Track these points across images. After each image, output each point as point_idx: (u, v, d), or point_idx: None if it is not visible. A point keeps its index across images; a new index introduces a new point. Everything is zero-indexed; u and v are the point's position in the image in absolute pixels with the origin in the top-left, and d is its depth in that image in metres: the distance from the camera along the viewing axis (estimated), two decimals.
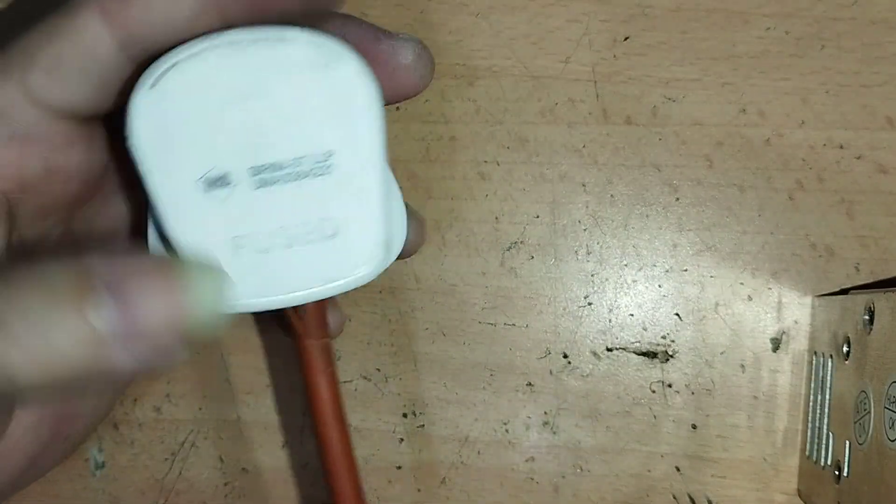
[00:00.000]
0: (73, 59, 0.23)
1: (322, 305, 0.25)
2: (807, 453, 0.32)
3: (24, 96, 0.23)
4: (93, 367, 0.19)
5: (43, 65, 0.23)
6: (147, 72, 0.22)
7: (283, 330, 0.25)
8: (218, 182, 0.22)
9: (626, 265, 0.33)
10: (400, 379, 0.33)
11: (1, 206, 0.24)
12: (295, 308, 0.24)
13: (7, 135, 0.24)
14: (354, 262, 0.23)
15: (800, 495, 0.32)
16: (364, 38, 0.25)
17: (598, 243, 0.33)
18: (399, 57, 0.25)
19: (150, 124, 0.22)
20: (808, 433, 0.32)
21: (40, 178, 0.25)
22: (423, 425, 0.33)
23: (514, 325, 0.33)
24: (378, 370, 0.33)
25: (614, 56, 0.33)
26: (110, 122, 0.26)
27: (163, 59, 0.22)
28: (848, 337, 0.29)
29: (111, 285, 0.19)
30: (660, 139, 0.33)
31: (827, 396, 0.31)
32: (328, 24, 0.25)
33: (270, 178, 0.22)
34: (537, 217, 0.33)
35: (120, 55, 0.23)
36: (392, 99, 0.25)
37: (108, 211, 0.28)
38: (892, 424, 0.26)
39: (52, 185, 0.25)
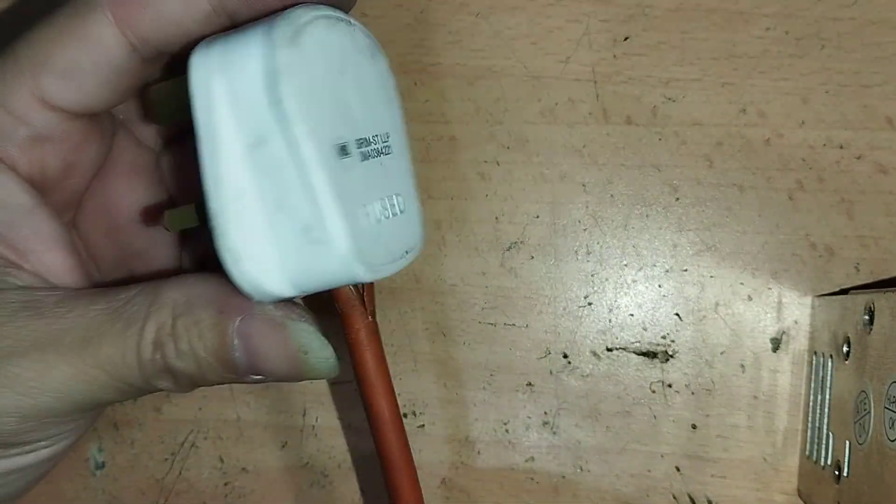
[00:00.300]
0: (86, 63, 0.24)
1: (373, 284, 0.25)
2: (807, 453, 0.32)
3: (39, 101, 0.24)
4: (232, 381, 0.25)
5: (57, 70, 0.24)
6: (275, 25, 0.22)
7: (339, 312, 0.25)
8: (343, 150, 0.23)
9: (626, 265, 0.33)
10: (400, 379, 0.33)
11: (33, 186, 0.25)
12: (353, 289, 0.25)
13: (28, 136, 0.25)
14: (415, 236, 0.25)
15: (800, 495, 0.32)
16: None
17: (598, 243, 0.33)
18: None
19: (296, 84, 0.21)
20: (808, 433, 0.32)
21: (60, 175, 0.26)
22: (423, 425, 0.33)
23: (514, 325, 0.33)
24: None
25: (614, 56, 0.33)
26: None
27: (286, 15, 0.22)
28: (848, 337, 0.29)
29: (242, 337, 0.24)
30: (660, 139, 0.33)
31: (827, 396, 0.31)
32: None
33: (367, 151, 0.24)
34: (537, 217, 0.33)
35: (133, 56, 0.24)
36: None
37: (113, 199, 0.29)
38: (892, 424, 0.26)
39: (71, 180, 0.27)
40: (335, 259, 0.22)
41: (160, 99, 0.25)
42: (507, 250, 0.33)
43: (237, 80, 0.22)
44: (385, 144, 0.24)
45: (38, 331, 0.24)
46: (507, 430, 0.33)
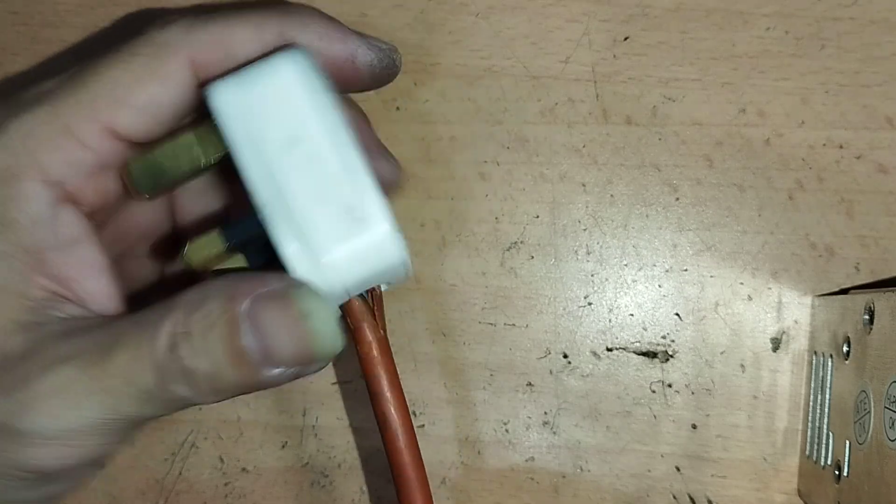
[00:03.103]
0: (166, 101, 0.25)
1: (381, 296, 0.26)
2: (807, 453, 0.32)
3: (110, 133, 0.25)
4: (246, 383, 0.24)
5: (138, 107, 0.25)
6: (289, 48, 0.25)
7: (350, 324, 0.25)
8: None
9: (625, 265, 0.33)
10: (400, 379, 0.33)
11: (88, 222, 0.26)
12: (366, 295, 0.25)
13: (95, 165, 0.25)
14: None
15: (800, 495, 0.32)
16: (330, 37, 0.27)
17: (597, 243, 0.33)
18: (359, 59, 0.27)
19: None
20: (808, 433, 0.32)
21: (118, 203, 0.27)
22: (423, 425, 0.33)
23: (514, 325, 0.33)
24: None
25: (614, 56, 0.33)
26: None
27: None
28: (848, 337, 0.29)
29: (251, 319, 0.23)
30: (660, 139, 0.33)
31: (827, 396, 0.31)
32: (305, 28, 0.27)
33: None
34: (537, 217, 0.33)
35: (196, 90, 0.25)
36: (346, 90, 0.28)
37: (129, 217, 0.29)
38: (893, 424, 0.26)
39: (126, 214, 0.28)
40: (379, 236, 0.24)
41: (143, 172, 0.26)
42: (507, 250, 0.33)
43: (264, 96, 0.24)
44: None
45: (68, 349, 0.24)
46: (507, 430, 0.33)
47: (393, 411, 0.25)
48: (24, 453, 0.23)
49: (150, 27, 0.25)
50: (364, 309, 0.25)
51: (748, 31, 0.33)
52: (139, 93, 0.25)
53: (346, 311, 0.25)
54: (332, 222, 0.24)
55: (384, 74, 0.28)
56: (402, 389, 0.25)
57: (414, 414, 0.33)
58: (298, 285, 0.24)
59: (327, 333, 0.24)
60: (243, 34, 0.25)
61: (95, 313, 0.25)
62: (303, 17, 0.26)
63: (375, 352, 0.25)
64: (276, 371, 0.24)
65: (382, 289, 0.26)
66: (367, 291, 0.25)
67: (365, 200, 0.24)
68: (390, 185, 0.29)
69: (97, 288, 0.26)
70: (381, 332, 0.25)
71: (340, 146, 0.24)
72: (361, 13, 0.33)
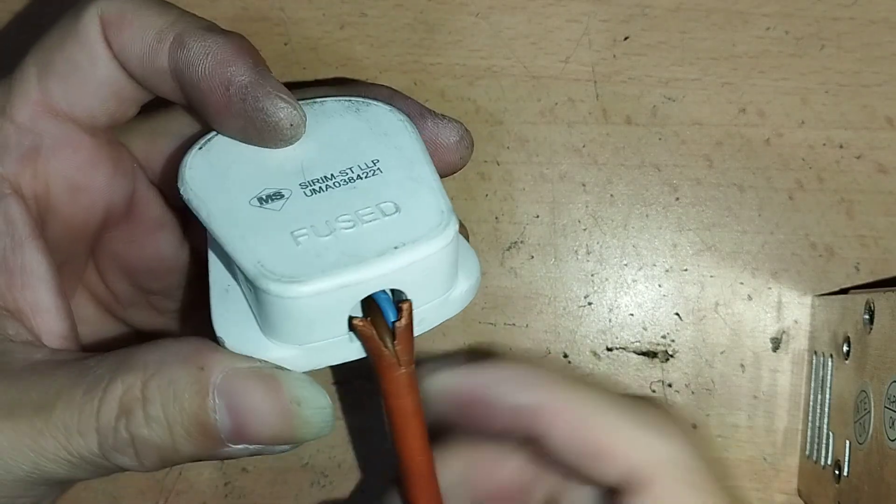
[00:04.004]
0: (84, 62, 0.24)
1: (410, 329, 0.23)
2: (807, 453, 0.32)
3: (44, 107, 0.24)
4: (200, 456, 0.22)
5: (58, 71, 0.24)
6: (196, 142, 0.24)
7: (372, 361, 0.23)
8: (271, 197, 0.23)
9: (625, 265, 0.33)
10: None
11: (31, 212, 0.24)
12: (386, 333, 0.22)
13: (32, 147, 0.24)
14: (426, 226, 0.22)
15: (800, 495, 0.32)
16: (409, 113, 0.25)
17: (597, 243, 0.33)
18: (442, 137, 0.26)
19: (199, 173, 0.23)
20: (808, 433, 0.32)
21: (65, 196, 0.25)
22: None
23: (514, 325, 0.33)
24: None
25: (614, 56, 0.33)
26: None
27: (211, 132, 0.24)
28: (848, 336, 0.29)
29: (225, 394, 0.21)
30: (660, 139, 0.33)
31: (827, 396, 0.31)
32: (374, 95, 0.26)
33: (322, 186, 0.23)
34: (537, 217, 0.33)
35: (118, 68, 0.24)
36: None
37: (139, 248, 0.28)
38: (893, 424, 0.26)
39: (78, 206, 0.25)
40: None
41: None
42: (507, 250, 0.33)
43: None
44: (369, 168, 0.23)
45: None
46: None
47: (416, 457, 0.23)
48: None
49: None
50: (385, 347, 0.22)
51: (748, 31, 0.33)
52: (57, 58, 0.24)
53: (361, 336, 0.22)
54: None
55: (468, 152, 0.26)
56: (425, 429, 0.23)
57: None
58: (286, 369, 0.22)
59: (319, 420, 0.22)
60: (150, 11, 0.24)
61: (34, 334, 0.24)
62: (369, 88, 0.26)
63: (396, 389, 0.22)
64: (240, 447, 0.22)
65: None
66: (396, 306, 0.22)
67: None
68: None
69: (37, 301, 0.24)
70: (404, 368, 0.22)
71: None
72: (361, 13, 0.33)
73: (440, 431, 0.24)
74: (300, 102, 0.24)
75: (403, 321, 0.22)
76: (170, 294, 0.29)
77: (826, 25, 0.32)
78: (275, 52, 0.33)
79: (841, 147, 0.33)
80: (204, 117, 0.24)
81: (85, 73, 0.24)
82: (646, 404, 0.23)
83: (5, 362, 0.23)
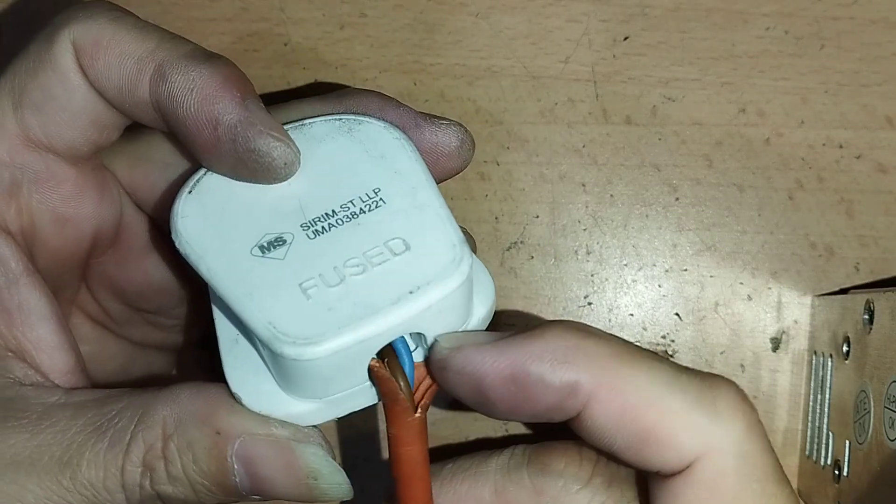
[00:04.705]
0: (58, 90, 0.23)
1: (432, 377, 0.22)
2: (806, 453, 0.32)
3: (21, 140, 0.23)
4: (231, 501, 0.22)
5: (33, 101, 0.23)
6: (186, 182, 0.23)
7: (385, 405, 0.22)
8: (273, 244, 0.22)
9: (625, 265, 0.33)
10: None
11: (21, 248, 0.24)
12: (401, 377, 0.22)
13: (12, 181, 0.23)
14: (439, 264, 0.21)
15: (799, 495, 0.32)
16: (405, 124, 0.24)
17: (597, 243, 0.33)
18: (442, 144, 0.24)
19: (193, 223, 0.22)
20: (808, 433, 0.32)
21: (52, 228, 0.24)
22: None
23: (513, 325, 0.33)
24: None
25: (614, 56, 0.33)
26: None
27: (199, 169, 0.23)
28: (848, 336, 0.29)
29: (243, 461, 0.21)
30: (659, 139, 0.33)
31: (827, 396, 0.31)
32: (365, 108, 0.24)
33: (325, 225, 0.22)
34: (537, 217, 0.33)
35: (95, 95, 0.23)
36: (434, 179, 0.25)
37: (129, 272, 0.27)
38: (892, 424, 0.26)
39: (65, 237, 0.25)
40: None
41: None
42: (507, 250, 0.33)
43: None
44: (371, 200, 0.22)
45: (17, 447, 0.21)
46: (507, 430, 0.33)
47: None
48: None
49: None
50: (397, 388, 0.21)
51: (748, 30, 0.33)
52: (31, 88, 0.23)
53: (376, 382, 0.22)
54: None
55: (470, 154, 0.25)
56: (428, 479, 0.22)
57: None
58: (303, 440, 0.22)
59: (336, 494, 0.22)
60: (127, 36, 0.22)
61: (41, 372, 0.23)
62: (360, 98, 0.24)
63: (405, 435, 0.22)
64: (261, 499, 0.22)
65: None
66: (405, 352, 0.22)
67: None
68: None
69: (39, 338, 0.23)
70: (417, 412, 0.22)
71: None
72: (361, 13, 0.33)
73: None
74: (288, 127, 0.23)
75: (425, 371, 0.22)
76: (164, 312, 0.29)
77: (826, 25, 0.32)
78: (275, 52, 0.33)
79: (841, 147, 0.33)
80: (191, 153, 0.23)
81: (61, 103, 0.23)
82: (714, 382, 0.21)
83: (20, 409, 0.22)
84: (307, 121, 0.24)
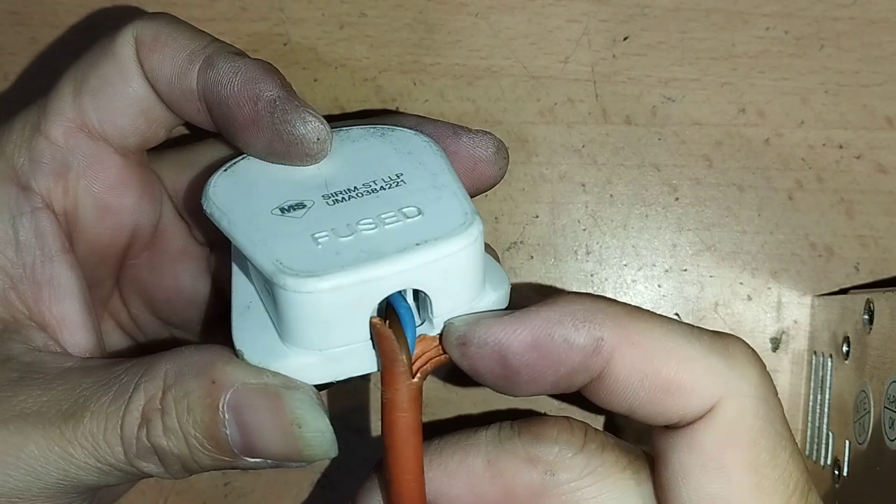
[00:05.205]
0: (116, 79, 0.24)
1: (437, 346, 0.23)
2: (806, 453, 0.32)
3: (77, 125, 0.25)
4: (220, 467, 0.22)
5: (91, 87, 0.24)
6: (223, 164, 0.25)
7: (382, 366, 0.22)
8: (294, 207, 0.23)
9: (625, 265, 0.33)
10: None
11: (61, 227, 0.25)
12: (402, 341, 0.22)
13: (63, 163, 0.25)
14: (449, 225, 0.22)
15: None
16: (442, 134, 0.25)
17: (597, 243, 0.33)
18: (479, 152, 0.26)
19: (223, 190, 0.24)
20: (808, 433, 0.32)
21: (93, 215, 0.25)
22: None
23: None
24: (378, 370, 0.33)
25: (613, 56, 0.33)
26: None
27: (237, 156, 0.25)
28: (848, 336, 0.29)
29: (234, 410, 0.22)
30: (659, 139, 0.33)
31: (826, 396, 0.31)
32: (402, 125, 0.26)
33: (345, 196, 0.23)
34: (537, 217, 0.33)
35: (149, 87, 0.25)
36: (471, 192, 0.25)
37: (161, 278, 0.28)
38: (892, 424, 0.26)
39: (105, 225, 0.26)
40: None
41: None
42: (507, 250, 0.33)
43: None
44: (392, 180, 0.23)
45: (28, 401, 0.22)
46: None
47: (404, 474, 0.22)
48: None
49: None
50: (395, 348, 0.21)
51: (748, 31, 0.33)
52: (92, 76, 0.25)
53: (377, 336, 0.22)
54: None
55: (505, 163, 0.26)
56: (420, 449, 0.22)
57: None
58: (292, 386, 0.22)
59: (320, 443, 0.22)
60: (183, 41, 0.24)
61: (61, 346, 0.24)
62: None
63: (400, 400, 0.22)
64: (256, 460, 0.22)
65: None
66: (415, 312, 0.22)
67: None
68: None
69: (64, 315, 0.24)
70: (413, 378, 0.22)
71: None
72: (361, 13, 0.33)
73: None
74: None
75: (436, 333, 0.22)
76: (190, 329, 0.29)
77: (826, 25, 0.32)
78: (274, 52, 0.33)
79: (840, 147, 0.33)
80: (230, 136, 0.25)
81: (116, 89, 0.24)
82: (725, 335, 0.22)
83: (37, 371, 0.23)
84: (344, 127, 0.25)
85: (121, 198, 0.26)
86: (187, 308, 0.29)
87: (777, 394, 0.22)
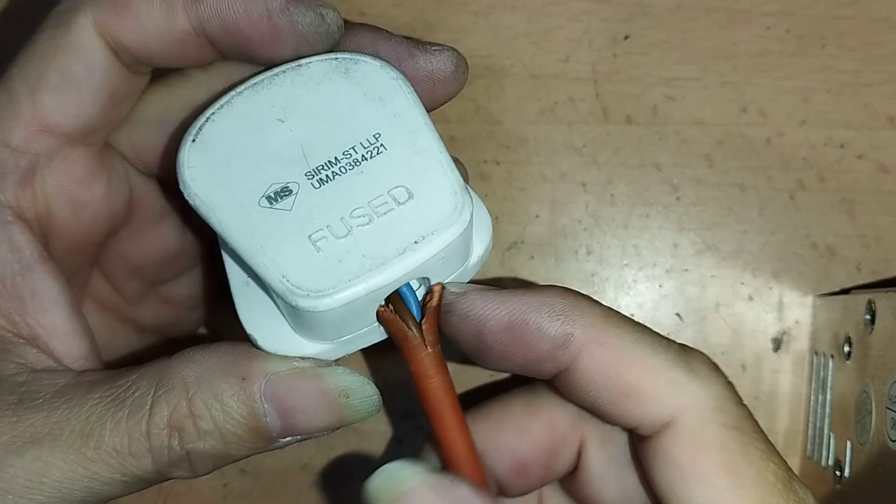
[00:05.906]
0: (79, 71, 0.23)
1: (438, 311, 0.23)
2: (808, 454, 0.32)
3: (37, 125, 0.23)
4: (253, 453, 0.23)
5: (51, 84, 0.23)
6: (188, 130, 0.23)
7: (396, 342, 0.23)
8: (280, 194, 0.23)
9: (626, 265, 0.33)
10: (400, 378, 0.33)
11: (35, 235, 0.24)
12: (408, 316, 0.23)
13: (29, 168, 0.24)
14: (441, 212, 0.22)
15: None
16: (398, 54, 0.25)
17: (598, 243, 0.33)
18: (438, 70, 0.25)
19: (200, 173, 0.23)
20: (809, 433, 0.32)
21: (67, 213, 0.25)
22: (423, 426, 0.33)
23: None
24: (378, 370, 0.33)
25: (614, 55, 0.33)
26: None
27: (199, 117, 0.23)
28: (849, 337, 0.29)
29: (272, 398, 0.22)
30: (660, 138, 0.33)
31: (828, 396, 0.31)
32: (358, 43, 0.25)
33: (329, 174, 0.23)
34: (537, 217, 0.33)
35: (116, 64, 0.23)
36: (431, 106, 0.25)
37: (147, 243, 0.28)
38: (894, 424, 0.26)
39: (80, 220, 0.25)
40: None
41: None
42: (507, 250, 0.33)
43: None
44: (372, 146, 0.23)
45: (36, 425, 0.22)
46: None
47: (452, 434, 0.23)
48: None
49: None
50: (405, 327, 0.23)
51: (749, 30, 0.33)
52: (50, 71, 0.23)
53: (385, 322, 0.23)
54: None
55: (465, 76, 0.26)
56: (458, 406, 0.23)
57: (413, 416, 0.33)
58: (324, 364, 0.23)
59: (367, 406, 0.23)
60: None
61: (54, 359, 0.23)
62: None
63: (425, 369, 0.23)
64: (291, 438, 0.23)
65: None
66: (423, 290, 0.23)
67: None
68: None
69: (53, 325, 0.24)
70: (429, 349, 0.23)
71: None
72: (360, 12, 0.33)
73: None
74: (284, 68, 0.24)
75: (433, 302, 0.23)
76: (180, 279, 0.29)
77: (827, 24, 0.32)
78: None
79: (842, 146, 0.32)
80: (250, 57, 0.24)
81: (81, 81, 0.23)
82: (689, 349, 0.22)
83: (35, 392, 0.23)
84: (303, 61, 0.24)
85: (91, 189, 0.25)
86: (176, 261, 0.29)
87: (742, 402, 0.22)
